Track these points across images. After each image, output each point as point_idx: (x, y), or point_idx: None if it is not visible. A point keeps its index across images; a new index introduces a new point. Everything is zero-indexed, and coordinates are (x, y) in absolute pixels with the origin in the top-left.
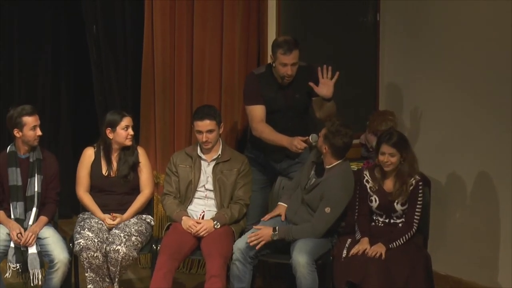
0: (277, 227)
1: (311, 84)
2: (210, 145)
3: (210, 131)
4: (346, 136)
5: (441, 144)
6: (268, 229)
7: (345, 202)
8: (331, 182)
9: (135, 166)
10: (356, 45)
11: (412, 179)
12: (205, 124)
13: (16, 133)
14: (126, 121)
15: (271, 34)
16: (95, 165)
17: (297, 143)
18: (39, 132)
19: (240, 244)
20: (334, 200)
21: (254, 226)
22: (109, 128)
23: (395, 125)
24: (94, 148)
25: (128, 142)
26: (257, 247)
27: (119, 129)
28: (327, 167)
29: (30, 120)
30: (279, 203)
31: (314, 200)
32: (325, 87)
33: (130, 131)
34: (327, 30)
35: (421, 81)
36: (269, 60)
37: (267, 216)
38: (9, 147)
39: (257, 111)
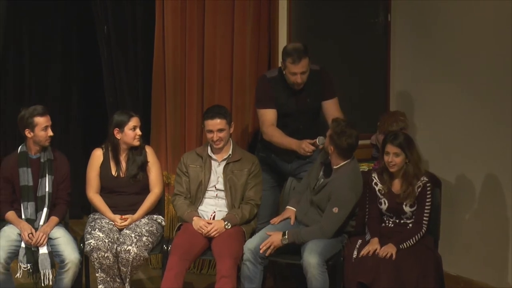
0: (286, 232)
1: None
2: (221, 144)
3: (220, 130)
4: (351, 137)
5: (450, 145)
6: (278, 235)
7: (353, 201)
8: (339, 182)
9: (143, 165)
10: (367, 45)
11: (420, 180)
12: (215, 123)
13: (28, 133)
14: (134, 121)
15: (282, 35)
16: (104, 166)
17: (305, 146)
18: (50, 133)
19: (250, 244)
20: (341, 200)
21: (267, 233)
22: (117, 129)
23: (406, 126)
24: (103, 149)
25: (136, 143)
26: (267, 253)
27: (127, 130)
28: (334, 167)
29: (41, 121)
30: (287, 207)
31: (322, 200)
32: None
33: (138, 131)
34: (338, 30)
35: (432, 82)
36: (280, 63)
37: (277, 219)
38: (20, 147)
39: (268, 115)
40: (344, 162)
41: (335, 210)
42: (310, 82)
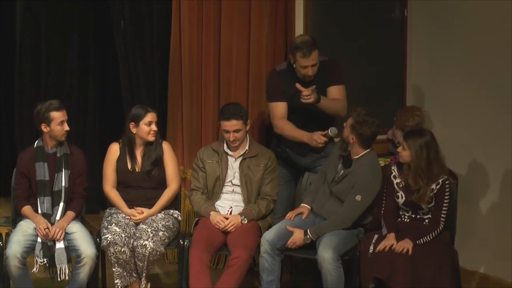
0: (307, 230)
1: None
2: (238, 143)
3: (237, 130)
4: (373, 125)
5: (467, 140)
6: (300, 233)
7: (376, 190)
8: (362, 170)
9: (157, 161)
10: (384, 41)
11: (440, 177)
12: (232, 124)
13: (44, 128)
14: (150, 116)
15: (299, 32)
16: (121, 161)
17: (316, 138)
18: (66, 127)
19: (268, 236)
20: (366, 188)
21: (287, 227)
22: (133, 123)
23: (422, 121)
24: (119, 144)
25: (151, 138)
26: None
27: (142, 124)
28: (355, 157)
29: (57, 115)
30: (302, 204)
31: (343, 190)
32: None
33: (153, 127)
34: (354, 26)
35: (449, 77)
36: (289, 56)
37: (291, 215)
38: (36, 142)
39: (279, 108)
40: (364, 152)
41: (358, 198)
42: (317, 73)
